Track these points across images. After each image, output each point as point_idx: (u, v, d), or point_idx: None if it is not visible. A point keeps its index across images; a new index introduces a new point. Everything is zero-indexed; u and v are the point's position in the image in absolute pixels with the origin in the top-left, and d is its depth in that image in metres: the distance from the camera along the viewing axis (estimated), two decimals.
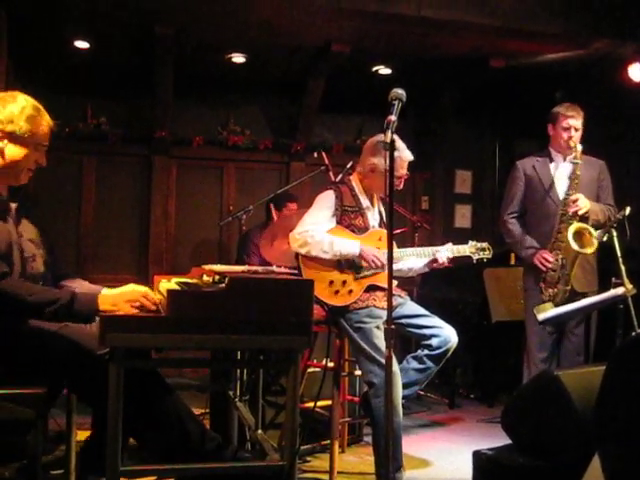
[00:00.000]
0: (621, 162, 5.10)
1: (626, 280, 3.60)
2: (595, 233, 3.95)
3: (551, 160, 4.37)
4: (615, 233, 3.79)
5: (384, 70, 6.42)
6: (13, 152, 2.59)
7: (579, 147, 4.16)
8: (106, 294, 2.54)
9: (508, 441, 2.95)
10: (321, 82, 6.43)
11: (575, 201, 4.11)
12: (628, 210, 3.84)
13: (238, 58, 6.13)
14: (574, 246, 3.98)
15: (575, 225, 4.05)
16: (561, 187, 4.26)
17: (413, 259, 3.73)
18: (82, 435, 3.17)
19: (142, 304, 2.49)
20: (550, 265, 4.16)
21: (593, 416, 1.97)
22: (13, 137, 2.57)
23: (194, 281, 3.11)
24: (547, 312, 3.71)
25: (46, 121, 2.64)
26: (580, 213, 4.09)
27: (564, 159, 4.33)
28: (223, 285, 2.53)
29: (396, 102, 2.64)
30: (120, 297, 2.50)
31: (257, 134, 6.96)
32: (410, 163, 3.64)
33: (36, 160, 2.66)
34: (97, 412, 2.86)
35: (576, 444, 2.54)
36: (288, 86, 6.73)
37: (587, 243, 4.00)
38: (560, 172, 4.31)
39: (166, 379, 2.76)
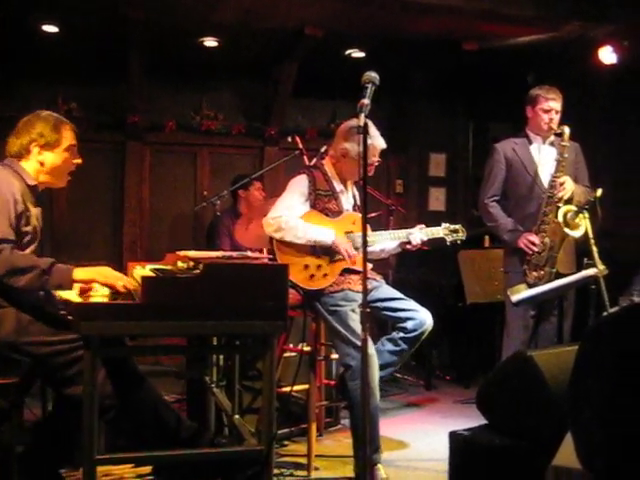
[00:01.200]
0: (592, 144, 5.13)
1: (598, 261, 3.64)
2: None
3: (530, 142, 4.32)
4: (587, 215, 3.82)
5: (357, 53, 6.39)
6: (52, 159, 2.97)
7: (567, 130, 4.13)
8: (82, 268, 2.74)
9: (484, 421, 2.99)
10: (294, 66, 6.39)
11: (562, 184, 4.10)
12: (599, 192, 3.86)
13: (210, 42, 6.07)
14: (565, 229, 4.00)
15: (565, 207, 4.05)
16: (545, 170, 4.24)
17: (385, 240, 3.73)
18: None
19: (114, 286, 2.66)
20: (536, 248, 4.13)
21: (566, 396, 1.99)
22: (47, 147, 2.95)
23: (169, 267, 3.10)
24: (521, 293, 3.73)
25: (67, 124, 3.02)
26: (566, 197, 4.11)
27: (543, 141, 4.29)
28: (198, 271, 2.52)
29: (369, 85, 2.64)
30: (96, 271, 2.73)
31: (230, 119, 6.90)
32: (383, 151, 3.63)
33: (73, 161, 3.04)
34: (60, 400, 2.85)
35: (550, 423, 2.57)
36: (261, 70, 6.68)
37: (574, 226, 4.01)
38: (543, 154, 4.28)
39: (142, 366, 2.77)
